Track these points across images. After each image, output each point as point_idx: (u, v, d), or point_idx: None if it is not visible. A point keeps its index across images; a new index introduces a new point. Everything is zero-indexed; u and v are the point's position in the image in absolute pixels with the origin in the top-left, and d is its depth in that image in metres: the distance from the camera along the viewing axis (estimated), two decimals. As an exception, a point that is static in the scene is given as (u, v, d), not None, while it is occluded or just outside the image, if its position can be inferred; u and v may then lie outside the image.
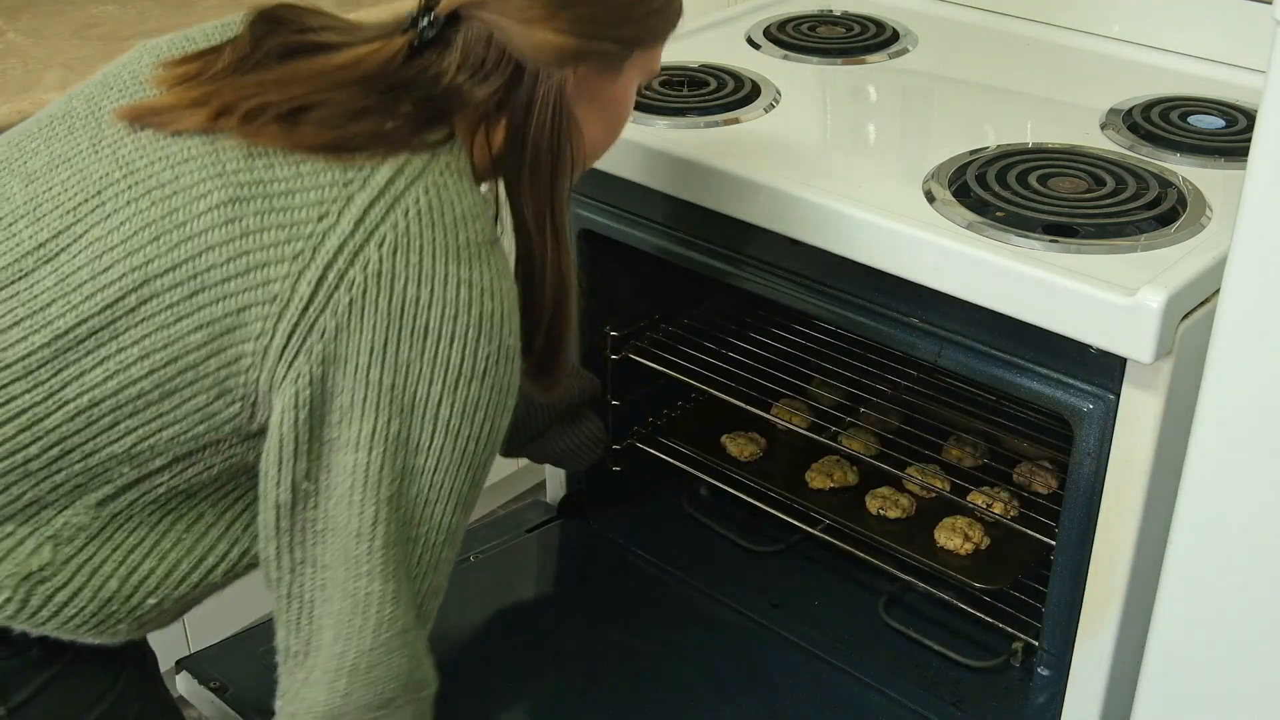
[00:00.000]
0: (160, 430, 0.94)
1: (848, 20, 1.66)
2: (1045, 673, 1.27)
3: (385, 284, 0.90)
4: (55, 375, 0.92)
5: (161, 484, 0.97)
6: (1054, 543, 1.25)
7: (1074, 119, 1.39)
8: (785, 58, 1.56)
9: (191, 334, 0.91)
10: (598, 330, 1.58)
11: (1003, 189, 1.20)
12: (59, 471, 0.94)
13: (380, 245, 0.90)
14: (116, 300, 0.91)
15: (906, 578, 1.50)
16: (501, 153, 0.99)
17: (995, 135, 1.35)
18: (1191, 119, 1.37)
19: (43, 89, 1.68)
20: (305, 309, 0.90)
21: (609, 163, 1.35)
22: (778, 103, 1.43)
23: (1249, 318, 0.92)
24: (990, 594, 1.43)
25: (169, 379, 0.92)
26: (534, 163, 0.99)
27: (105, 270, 0.92)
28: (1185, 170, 1.26)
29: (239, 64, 0.97)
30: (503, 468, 2.27)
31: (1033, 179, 1.23)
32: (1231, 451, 0.96)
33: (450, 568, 1.01)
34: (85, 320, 0.92)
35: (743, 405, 1.60)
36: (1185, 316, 1.07)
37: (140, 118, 0.96)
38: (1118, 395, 1.11)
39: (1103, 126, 1.37)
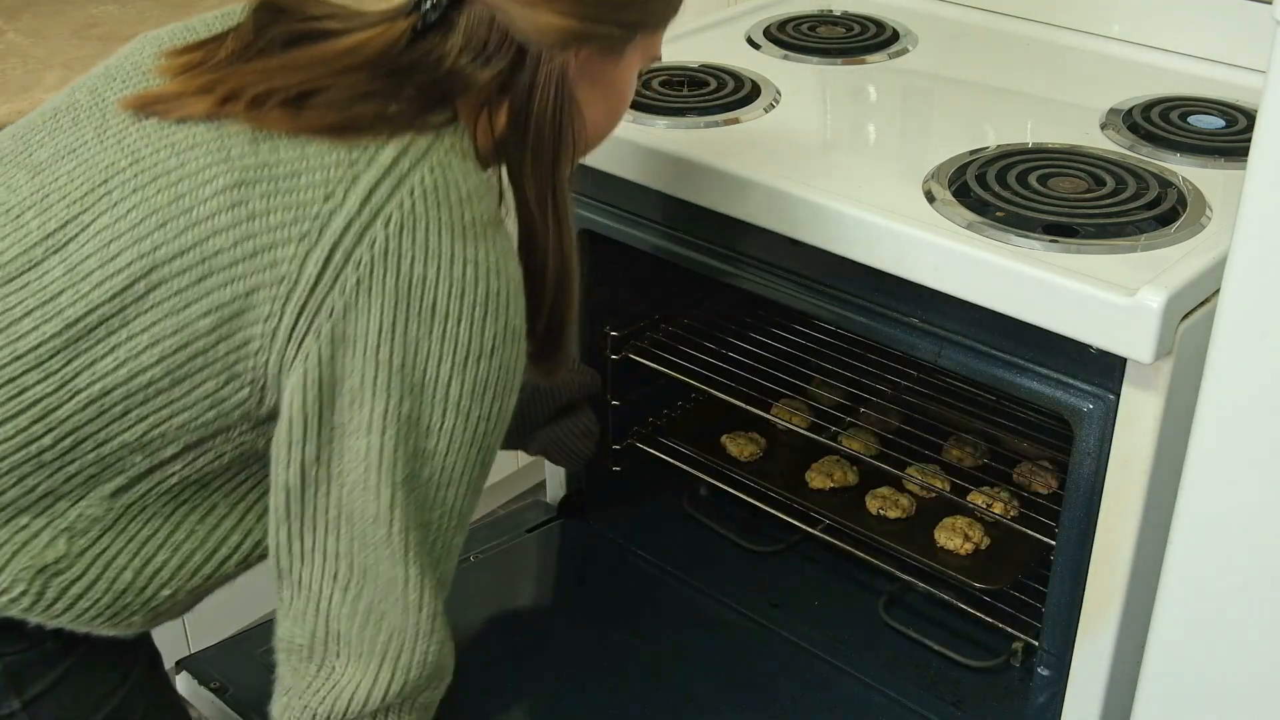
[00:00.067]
0: (171, 418, 0.94)
1: (848, 20, 1.66)
2: (1045, 673, 1.27)
3: (392, 262, 0.90)
4: (67, 364, 0.93)
5: (174, 473, 0.97)
6: (1054, 543, 1.25)
7: (1074, 119, 1.38)
8: (785, 58, 1.56)
9: (201, 319, 0.92)
10: (598, 330, 1.58)
11: (1003, 189, 1.20)
12: (72, 462, 0.95)
13: (387, 224, 0.90)
14: (126, 288, 0.92)
15: (906, 578, 1.50)
16: (504, 136, 0.99)
17: (995, 135, 1.34)
18: (1191, 119, 1.37)
19: (43, 89, 1.68)
20: (313, 289, 0.90)
21: (609, 163, 1.35)
22: (778, 103, 1.43)
23: (1249, 318, 0.92)
24: (990, 594, 1.43)
25: (179, 365, 0.93)
26: (536, 145, 0.99)
27: (114, 258, 0.92)
28: (1185, 170, 1.26)
29: (242, 52, 0.97)
30: (502, 468, 2.27)
31: (1033, 179, 1.22)
32: (1231, 451, 0.96)
33: (459, 554, 1.01)
34: (95, 309, 0.92)
35: (743, 405, 1.60)
36: (1185, 316, 1.07)
37: (145, 106, 0.97)
38: (1118, 395, 1.11)
39: (1103, 126, 1.37)
